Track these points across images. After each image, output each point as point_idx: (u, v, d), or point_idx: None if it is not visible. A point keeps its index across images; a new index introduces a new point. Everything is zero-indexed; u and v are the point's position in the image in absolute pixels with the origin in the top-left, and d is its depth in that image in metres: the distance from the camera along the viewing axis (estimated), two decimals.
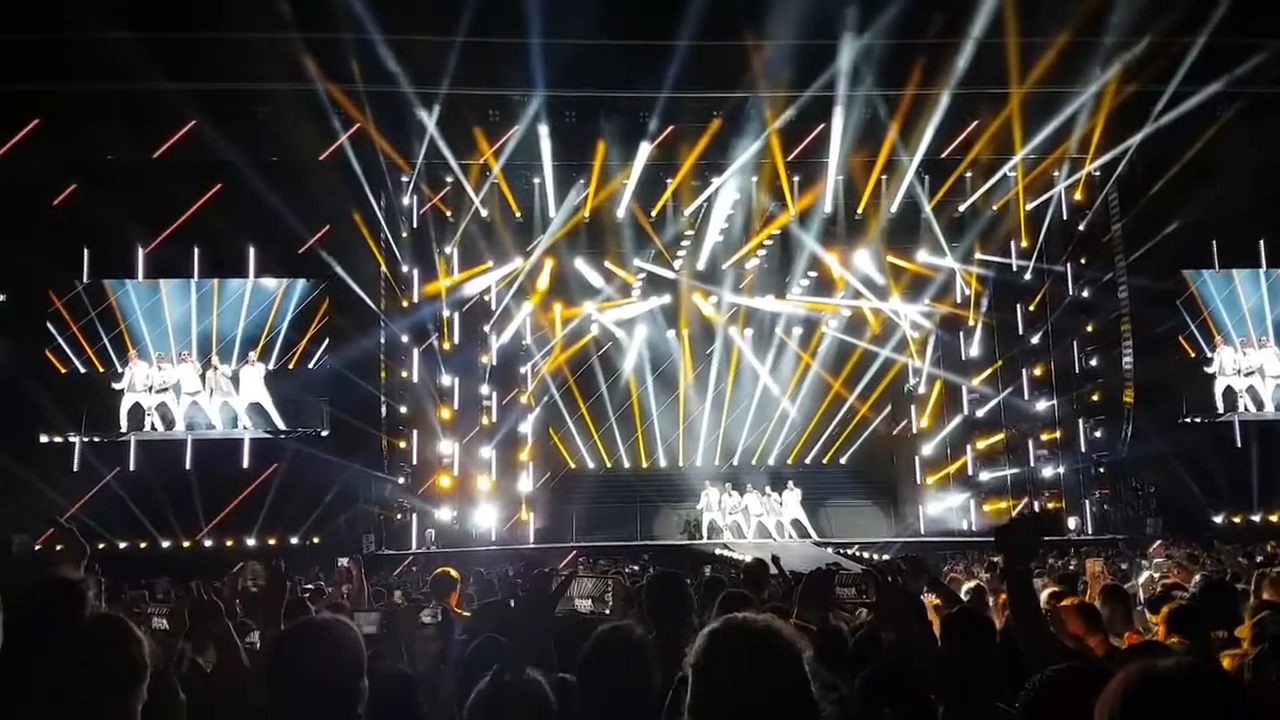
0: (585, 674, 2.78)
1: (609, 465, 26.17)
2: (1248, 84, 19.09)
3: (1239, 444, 21.31)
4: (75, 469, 19.68)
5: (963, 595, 5.70)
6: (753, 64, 18.98)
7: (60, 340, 20.05)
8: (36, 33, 17.45)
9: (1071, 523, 22.63)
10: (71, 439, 19.81)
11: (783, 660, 1.91)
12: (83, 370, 20.11)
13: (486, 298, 24.58)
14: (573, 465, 26.21)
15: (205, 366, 20.37)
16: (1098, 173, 22.24)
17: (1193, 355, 21.82)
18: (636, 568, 14.37)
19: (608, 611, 3.16)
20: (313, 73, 18.37)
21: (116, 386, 20.14)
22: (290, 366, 20.51)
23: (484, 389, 24.72)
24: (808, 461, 26.46)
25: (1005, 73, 19.02)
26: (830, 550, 19.79)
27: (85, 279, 20.33)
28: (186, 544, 19.08)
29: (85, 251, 20.35)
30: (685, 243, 23.90)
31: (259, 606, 3.24)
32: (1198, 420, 21.54)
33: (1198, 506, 20.03)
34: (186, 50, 17.85)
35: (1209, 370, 21.82)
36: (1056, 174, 22.63)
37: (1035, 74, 18.97)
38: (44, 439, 19.69)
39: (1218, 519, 20.14)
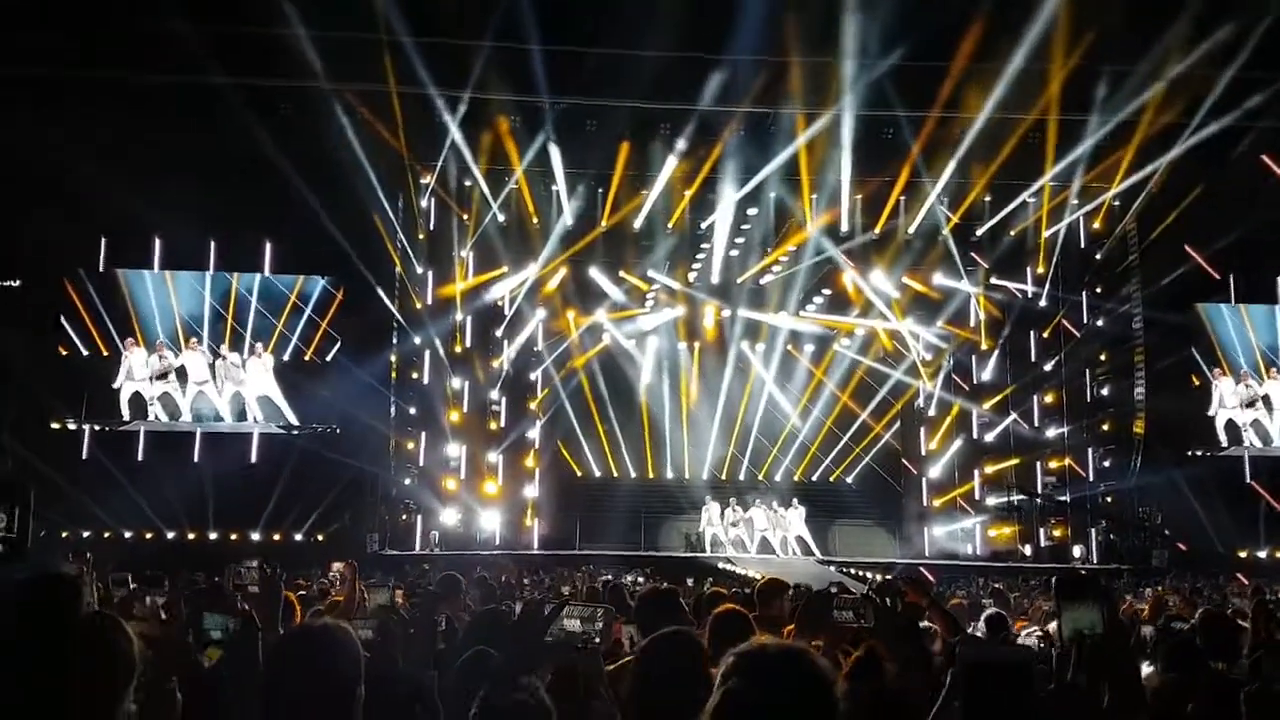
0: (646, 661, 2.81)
1: (615, 475, 26.08)
2: (1268, 118, 18.99)
3: (1247, 478, 21.21)
4: (84, 457, 19.77)
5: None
6: (776, 80, 18.96)
7: (68, 325, 20.08)
8: (62, 20, 17.56)
9: (1076, 551, 22.49)
10: (70, 425, 19.85)
11: (818, 687, 1.90)
12: (85, 353, 20.06)
13: (500, 303, 24.58)
14: (579, 473, 26.14)
15: (214, 355, 20.41)
16: (1117, 202, 22.17)
17: (1197, 385, 21.72)
18: (642, 579, 14.33)
19: (597, 640, 3.17)
20: (336, 72, 18.43)
21: (115, 384, 20.02)
22: (305, 359, 20.57)
23: (494, 394, 24.70)
24: (814, 479, 26.31)
25: (1029, 100, 18.99)
26: (833, 569, 19.69)
27: (101, 267, 20.40)
28: (192, 536, 19.11)
29: (103, 240, 20.45)
30: (700, 256, 23.92)
31: (256, 611, 3.25)
32: (1203, 454, 21.41)
33: (1205, 540, 19.90)
34: (211, 44, 17.89)
35: (1210, 412, 21.68)
36: (1075, 202, 22.55)
37: (1059, 102, 18.94)
38: (54, 426, 19.77)
39: (1224, 553, 19.99)
